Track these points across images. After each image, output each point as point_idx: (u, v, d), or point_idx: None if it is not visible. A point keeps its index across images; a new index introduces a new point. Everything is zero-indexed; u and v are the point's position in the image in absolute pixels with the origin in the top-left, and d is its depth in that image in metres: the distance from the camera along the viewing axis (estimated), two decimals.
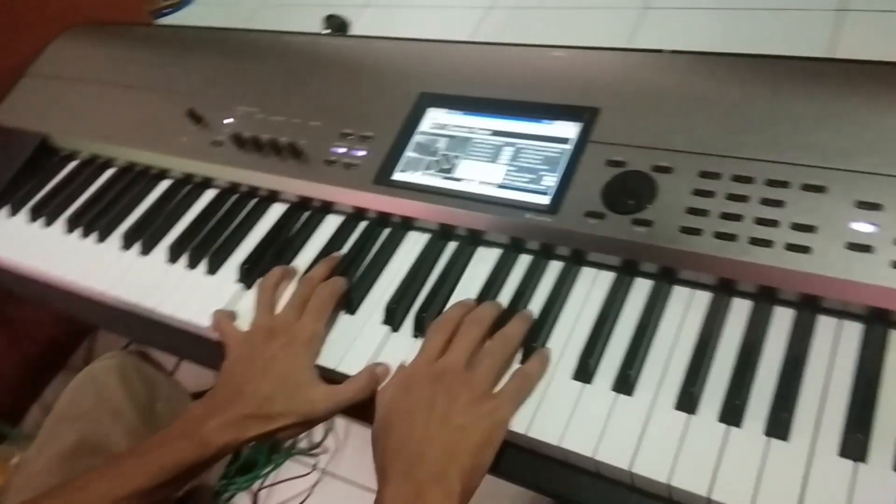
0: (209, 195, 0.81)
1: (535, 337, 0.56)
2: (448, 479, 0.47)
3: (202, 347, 0.69)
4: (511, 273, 0.62)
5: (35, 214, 0.87)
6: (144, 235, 0.78)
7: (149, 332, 0.73)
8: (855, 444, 0.45)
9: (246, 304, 0.68)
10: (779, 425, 0.47)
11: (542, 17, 1.90)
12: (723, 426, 0.48)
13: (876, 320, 0.50)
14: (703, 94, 0.62)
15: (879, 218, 0.50)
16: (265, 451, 1.28)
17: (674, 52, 0.67)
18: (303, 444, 1.32)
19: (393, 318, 0.62)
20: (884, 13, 1.51)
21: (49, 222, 0.86)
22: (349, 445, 1.30)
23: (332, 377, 0.60)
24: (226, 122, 0.81)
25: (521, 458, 0.53)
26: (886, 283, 0.48)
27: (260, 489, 1.27)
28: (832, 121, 0.55)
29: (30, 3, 1.28)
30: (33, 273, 0.81)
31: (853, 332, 0.50)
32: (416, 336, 0.61)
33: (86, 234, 0.82)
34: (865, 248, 0.49)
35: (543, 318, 0.58)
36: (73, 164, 0.93)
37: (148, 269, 0.75)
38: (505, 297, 0.61)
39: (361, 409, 0.58)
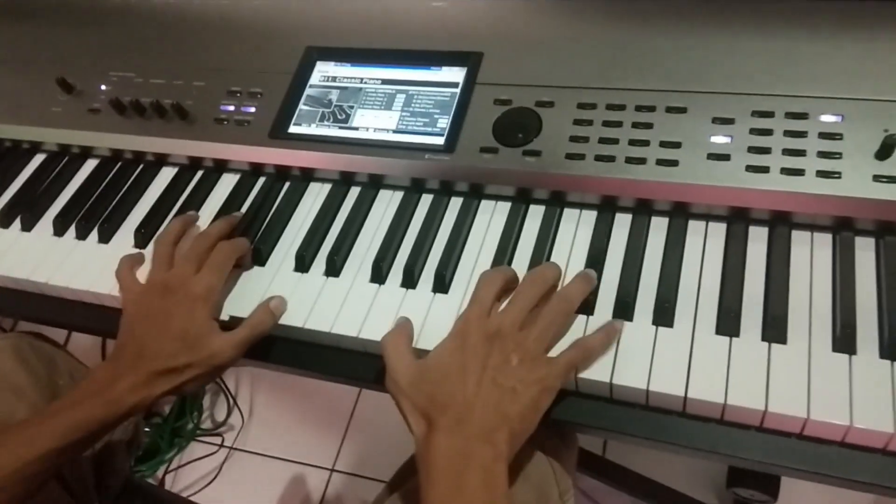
0: (90, 165, 0.78)
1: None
2: (496, 439, 0.48)
3: (102, 318, 0.68)
4: (416, 212, 0.66)
5: None
6: (24, 211, 0.74)
7: (39, 310, 0.71)
8: (728, 322, 0.52)
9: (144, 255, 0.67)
10: (664, 315, 0.53)
11: None
12: (620, 321, 0.54)
13: (737, 219, 0.57)
14: (576, 33, 0.67)
15: (733, 131, 0.58)
16: (167, 435, 1.25)
17: None
18: (206, 425, 1.30)
19: (303, 263, 0.63)
20: None
21: None
22: (255, 419, 1.30)
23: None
24: (102, 88, 0.78)
25: None
26: (743, 185, 0.55)
27: (165, 473, 1.23)
28: (688, 51, 0.62)
29: None
30: None
31: (719, 230, 0.58)
32: (326, 276, 0.63)
33: None
34: (724, 157, 0.57)
35: (449, 251, 0.61)
36: None
37: (33, 245, 0.72)
38: (411, 234, 0.64)
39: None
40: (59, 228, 0.72)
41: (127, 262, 0.64)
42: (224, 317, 0.62)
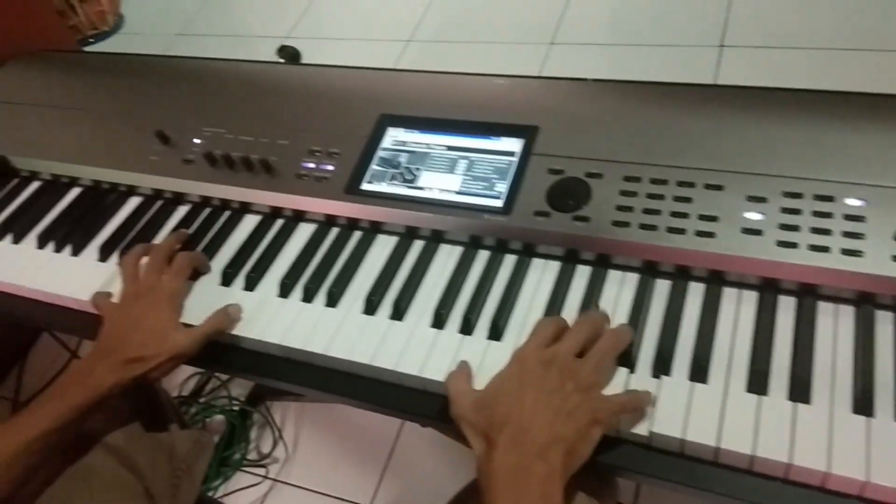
0: (183, 209, 0.87)
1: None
2: (551, 456, 0.52)
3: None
4: (473, 265, 0.73)
5: (1, 233, 0.90)
6: (122, 247, 0.83)
7: None
8: (757, 383, 0.58)
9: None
10: (699, 372, 0.59)
11: (457, 49, 2.05)
12: (654, 381, 0.60)
13: (768, 289, 0.63)
14: (622, 113, 0.75)
15: (765, 208, 0.64)
16: (215, 463, 1.32)
17: (595, 80, 0.81)
18: (252, 455, 1.36)
19: (371, 307, 0.71)
20: (757, 49, 1.75)
21: (17, 240, 0.89)
22: (298, 453, 1.35)
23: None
24: (196, 141, 0.88)
25: None
26: (774, 258, 0.61)
27: (212, 502, 1.29)
28: (726, 134, 0.70)
29: None
30: (8, 289, 0.84)
31: (751, 298, 0.64)
32: (392, 319, 0.70)
33: (59, 248, 0.86)
34: (757, 232, 0.63)
35: (504, 302, 0.68)
36: (35, 185, 0.97)
37: None
38: (469, 286, 0.71)
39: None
40: None
41: (98, 294, 0.76)
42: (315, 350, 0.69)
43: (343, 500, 1.28)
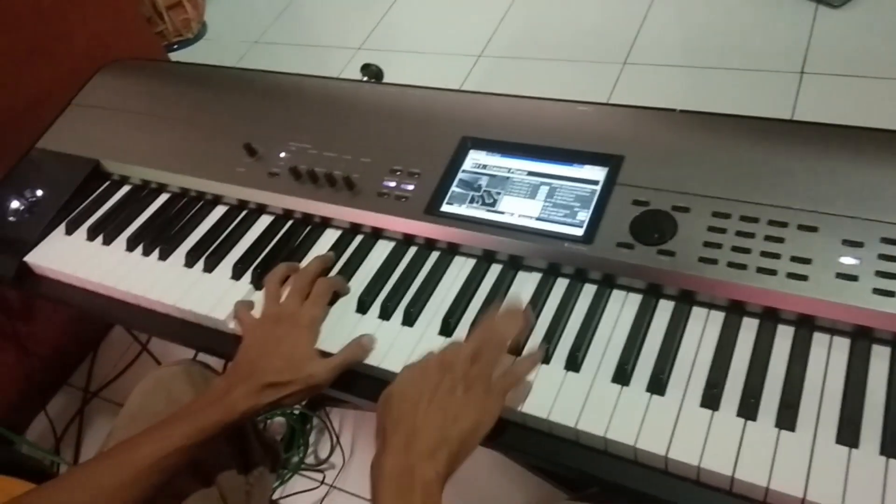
0: (265, 220, 0.89)
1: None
2: (437, 459, 0.56)
3: None
4: (551, 293, 0.73)
5: (93, 234, 0.94)
6: (207, 254, 0.86)
7: (210, 342, 0.81)
8: (849, 433, 0.56)
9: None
10: (787, 418, 0.58)
11: (529, 66, 2.05)
12: (741, 420, 0.59)
13: (861, 336, 0.61)
14: (712, 146, 0.74)
15: (862, 253, 0.62)
16: None
17: (683, 111, 0.80)
18: (310, 460, 1.38)
19: (447, 328, 0.72)
20: (838, 77, 1.70)
21: (108, 241, 0.93)
22: (355, 461, 1.37)
23: None
24: (282, 155, 0.90)
25: (573, 451, 0.62)
26: (869, 305, 0.59)
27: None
28: (822, 174, 0.68)
29: (57, 38, 1.37)
30: (96, 288, 0.88)
31: (842, 345, 0.62)
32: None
33: (147, 252, 0.89)
34: (852, 278, 0.61)
35: (584, 331, 0.68)
36: (125, 189, 1.01)
37: (214, 286, 0.83)
38: (546, 314, 0.71)
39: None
40: (237, 273, 0.83)
41: (241, 304, 0.77)
42: (390, 367, 0.70)
43: None
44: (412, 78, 0.94)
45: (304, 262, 0.82)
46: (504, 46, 2.14)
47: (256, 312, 0.76)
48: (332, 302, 0.77)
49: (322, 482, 1.34)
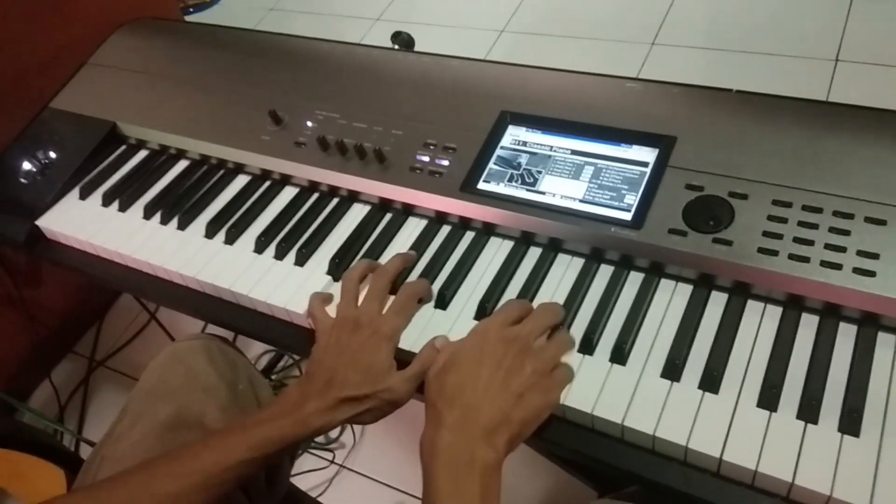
0: (290, 191, 0.85)
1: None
2: (497, 441, 0.52)
3: (288, 333, 0.74)
4: (594, 280, 0.69)
5: (108, 199, 0.90)
6: (229, 226, 0.82)
7: (227, 316, 0.77)
8: None
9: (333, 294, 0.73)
10: (851, 424, 0.54)
11: (553, 42, 1.99)
12: (800, 422, 0.55)
13: None
14: (771, 130, 0.69)
15: None
16: None
17: (739, 91, 0.75)
18: (320, 439, 1.35)
19: (484, 314, 0.67)
20: (874, 66, 1.64)
21: (124, 208, 0.89)
22: (365, 441, 1.34)
23: None
24: (308, 124, 0.86)
25: (613, 446, 0.59)
26: None
27: None
28: (889, 164, 0.63)
29: None
30: (111, 256, 0.84)
31: None
32: None
33: (165, 221, 0.85)
34: None
35: (630, 322, 0.64)
36: (142, 154, 0.97)
37: (236, 258, 0.79)
38: (590, 302, 0.67)
39: None
40: (260, 247, 0.79)
41: (318, 298, 0.71)
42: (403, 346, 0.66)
43: (407, 493, 1.27)
44: (435, 49, 0.89)
45: (334, 238, 0.78)
46: (528, 22, 2.08)
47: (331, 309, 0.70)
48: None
49: (332, 461, 1.32)
